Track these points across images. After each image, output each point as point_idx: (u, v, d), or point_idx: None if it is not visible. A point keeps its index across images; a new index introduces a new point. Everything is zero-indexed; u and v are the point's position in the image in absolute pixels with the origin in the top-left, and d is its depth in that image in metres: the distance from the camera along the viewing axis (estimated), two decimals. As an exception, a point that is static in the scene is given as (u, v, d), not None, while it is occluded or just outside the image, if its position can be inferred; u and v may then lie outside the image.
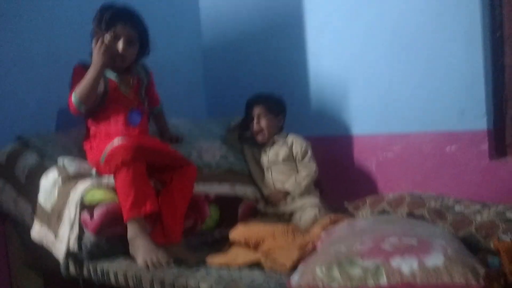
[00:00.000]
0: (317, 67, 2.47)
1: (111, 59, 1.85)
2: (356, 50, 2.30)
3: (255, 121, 2.19)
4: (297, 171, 2.15)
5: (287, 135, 2.22)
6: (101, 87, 1.87)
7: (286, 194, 2.10)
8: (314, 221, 1.92)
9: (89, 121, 1.93)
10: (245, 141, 2.29)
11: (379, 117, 2.26)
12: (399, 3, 2.14)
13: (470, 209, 1.61)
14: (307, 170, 2.12)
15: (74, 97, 1.82)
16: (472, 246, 1.46)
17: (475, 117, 1.98)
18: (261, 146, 2.23)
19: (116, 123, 1.89)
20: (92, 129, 1.92)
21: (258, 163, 2.21)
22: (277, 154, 2.16)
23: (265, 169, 2.18)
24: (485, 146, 1.96)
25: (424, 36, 2.08)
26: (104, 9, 1.88)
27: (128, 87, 1.96)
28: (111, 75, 1.91)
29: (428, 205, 1.68)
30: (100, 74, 1.81)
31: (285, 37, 2.58)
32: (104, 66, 1.81)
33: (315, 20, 2.45)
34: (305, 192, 2.09)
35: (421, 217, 1.65)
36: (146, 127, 2.00)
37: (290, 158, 2.17)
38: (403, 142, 2.19)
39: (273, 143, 2.20)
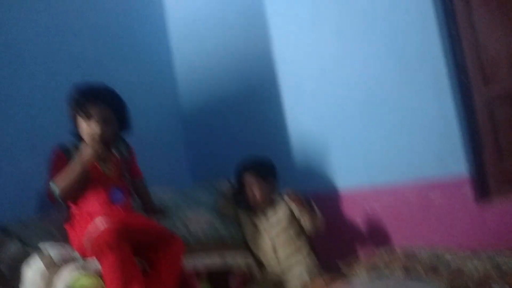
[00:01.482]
0: (295, 125, 2.51)
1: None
2: (332, 107, 2.36)
3: (247, 189, 2.20)
4: (299, 229, 2.13)
5: (282, 195, 2.22)
6: None
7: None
8: (302, 282, 1.89)
9: (70, 203, 1.90)
10: (241, 206, 2.27)
11: (362, 170, 2.28)
12: (366, 60, 2.23)
13: (462, 258, 1.60)
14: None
15: (54, 189, 1.80)
16: (469, 298, 1.44)
17: (455, 162, 2.01)
18: (258, 210, 2.21)
19: (98, 203, 1.85)
20: (74, 210, 1.88)
21: (256, 227, 2.18)
22: (277, 214, 2.16)
23: (264, 232, 2.15)
24: (468, 191, 1.98)
25: (394, 88, 2.15)
26: (76, 91, 1.89)
27: (109, 165, 1.94)
28: None
29: (420, 259, 1.66)
30: (86, 170, 1.80)
31: (262, 99, 2.64)
32: (92, 162, 1.81)
33: (289, 81, 2.53)
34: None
35: (415, 271, 1.63)
36: (128, 203, 1.97)
37: (291, 217, 2.15)
38: (388, 193, 2.20)
39: (272, 204, 2.20)
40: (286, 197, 2.13)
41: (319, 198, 2.32)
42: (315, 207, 2.14)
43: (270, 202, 2.21)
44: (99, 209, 1.83)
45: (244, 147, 2.64)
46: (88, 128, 1.87)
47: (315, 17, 2.39)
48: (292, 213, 2.16)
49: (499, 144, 2.03)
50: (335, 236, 2.31)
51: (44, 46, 2.39)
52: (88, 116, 1.86)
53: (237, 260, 2.05)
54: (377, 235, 2.21)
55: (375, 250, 1.91)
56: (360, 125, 2.26)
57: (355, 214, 2.30)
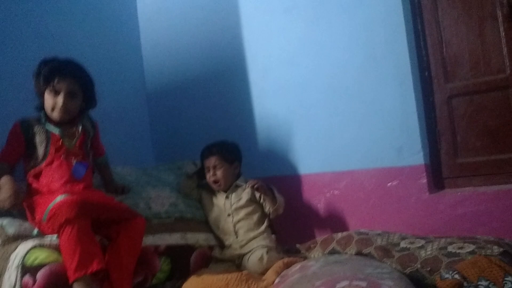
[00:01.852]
0: (261, 109, 2.54)
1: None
2: (298, 93, 2.39)
3: (211, 172, 2.20)
4: (260, 212, 2.16)
5: (246, 180, 2.24)
6: (42, 142, 1.84)
7: None
8: (260, 262, 1.92)
9: (30, 177, 1.86)
10: (204, 188, 2.28)
11: (324, 156, 2.33)
12: (333, 50, 2.27)
13: (415, 244, 1.68)
14: (283, 200, 2.16)
15: None
16: (419, 282, 1.52)
17: (412, 153, 2.09)
18: (221, 193, 2.22)
19: (59, 178, 1.82)
20: (33, 185, 1.84)
21: (218, 209, 2.20)
22: (240, 198, 2.17)
23: (226, 214, 2.16)
24: (423, 180, 2.06)
25: (358, 79, 2.20)
26: (42, 64, 1.85)
27: (73, 141, 1.91)
28: (53, 129, 1.87)
29: (375, 243, 1.73)
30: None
31: (229, 81, 2.64)
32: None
33: (257, 65, 2.54)
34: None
35: (369, 255, 1.70)
36: (90, 181, 1.95)
37: (253, 201, 2.18)
38: (348, 179, 2.26)
39: (235, 188, 2.21)
40: (248, 185, 2.15)
41: (281, 182, 2.36)
42: (276, 193, 2.17)
43: (233, 186, 2.23)
44: (60, 185, 1.80)
45: (209, 130, 2.64)
46: (51, 101, 1.84)
47: (287, 4, 2.40)
48: (254, 197, 2.19)
49: (455, 138, 2.12)
50: (295, 219, 2.37)
51: (8, 19, 2.31)
52: (52, 89, 1.82)
53: (198, 239, 2.07)
54: (335, 220, 2.27)
55: (332, 233, 1.97)
56: (324, 113, 2.31)
57: (315, 199, 2.36)
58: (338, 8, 2.25)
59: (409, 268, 1.57)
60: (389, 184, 2.14)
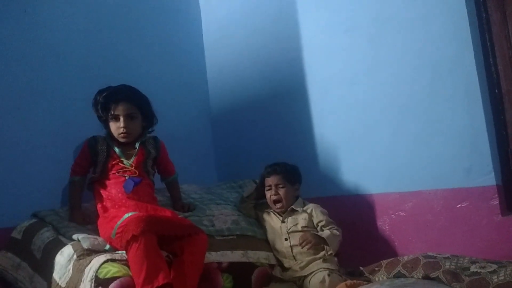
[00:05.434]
0: (321, 129, 2.53)
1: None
2: (358, 112, 2.36)
3: (272, 190, 2.20)
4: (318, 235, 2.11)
5: (304, 203, 2.23)
6: (103, 159, 2.02)
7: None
8: (322, 284, 1.89)
9: (96, 196, 2.03)
10: (260, 209, 2.29)
11: (388, 176, 2.27)
12: (396, 68, 2.23)
13: (486, 269, 1.59)
14: (338, 235, 2.09)
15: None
16: (491, 308, 1.43)
17: (482, 173, 1.99)
18: (279, 214, 2.22)
19: (115, 192, 1.97)
20: (98, 205, 1.99)
21: (275, 231, 2.19)
22: (297, 223, 2.15)
23: (283, 239, 2.15)
24: (495, 202, 1.95)
25: (424, 97, 2.14)
26: (97, 95, 2.03)
27: (131, 159, 2.02)
28: (115, 149, 2.04)
29: (443, 266, 1.66)
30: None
31: (290, 103, 2.67)
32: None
33: (316, 86, 2.55)
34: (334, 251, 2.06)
35: (437, 280, 1.63)
36: (148, 196, 2.03)
37: (310, 227, 2.15)
38: (414, 200, 2.19)
39: (292, 211, 2.20)
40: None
41: (343, 202, 2.33)
42: (330, 237, 2.05)
43: (289, 210, 2.20)
44: (117, 198, 1.94)
45: (269, 150, 2.67)
46: (114, 126, 1.98)
47: (347, 24, 2.41)
48: (312, 223, 2.15)
49: (529, 158, 2.00)
50: (358, 241, 2.31)
51: (81, 43, 2.49)
52: (112, 116, 1.98)
53: (259, 257, 2.08)
54: (400, 242, 2.20)
55: (398, 256, 1.90)
56: (387, 132, 2.26)
57: (379, 220, 2.29)
58: (401, 26, 2.22)
59: (478, 292, 1.49)
60: (458, 205, 2.05)
